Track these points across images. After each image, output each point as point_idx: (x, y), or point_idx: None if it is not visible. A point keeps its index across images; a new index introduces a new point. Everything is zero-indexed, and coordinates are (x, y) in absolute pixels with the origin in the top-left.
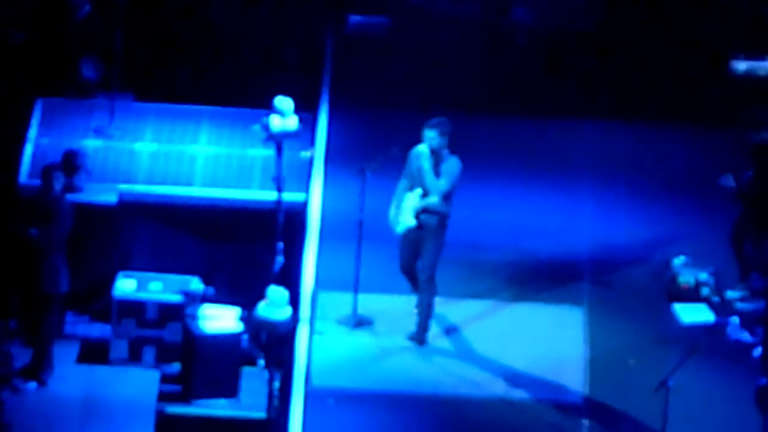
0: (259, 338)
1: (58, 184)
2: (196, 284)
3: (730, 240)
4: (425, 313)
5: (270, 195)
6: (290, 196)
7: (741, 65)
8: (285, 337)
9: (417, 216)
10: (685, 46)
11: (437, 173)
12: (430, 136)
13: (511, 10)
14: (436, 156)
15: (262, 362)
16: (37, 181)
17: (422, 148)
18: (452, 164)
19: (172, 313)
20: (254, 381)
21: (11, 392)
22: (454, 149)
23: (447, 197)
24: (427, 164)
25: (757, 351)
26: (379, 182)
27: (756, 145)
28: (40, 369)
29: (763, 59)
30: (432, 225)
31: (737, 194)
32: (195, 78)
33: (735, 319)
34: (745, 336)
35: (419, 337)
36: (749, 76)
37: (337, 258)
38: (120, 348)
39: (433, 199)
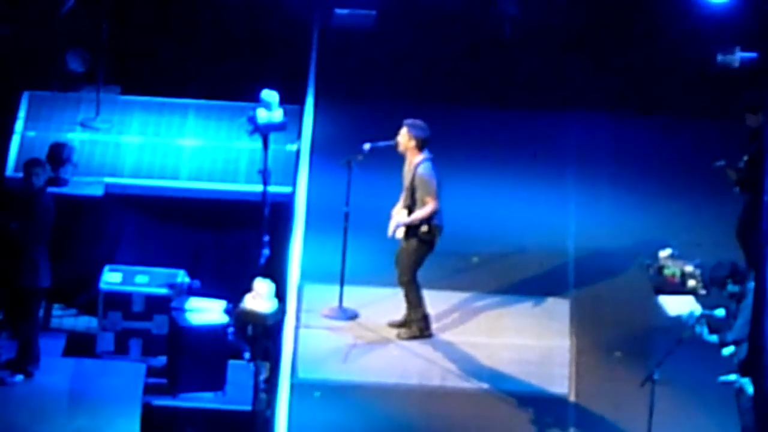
0: (246, 331)
1: (39, 179)
2: (182, 277)
3: (737, 232)
4: (410, 311)
5: (256, 188)
6: (276, 189)
7: (717, 58)
8: (271, 330)
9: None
10: (669, 40)
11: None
12: (399, 132)
13: (497, 3)
14: (404, 156)
15: (248, 355)
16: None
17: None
18: (422, 183)
19: (159, 306)
20: (240, 374)
21: None
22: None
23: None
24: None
25: (726, 350)
26: (365, 175)
27: (753, 129)
28: (26, 361)
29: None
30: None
31: (736, 181)
32: (181, 71)
33: (721, 312)
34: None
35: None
36: (725, 69)
37: (323, 250)
38: (106, 340)
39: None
